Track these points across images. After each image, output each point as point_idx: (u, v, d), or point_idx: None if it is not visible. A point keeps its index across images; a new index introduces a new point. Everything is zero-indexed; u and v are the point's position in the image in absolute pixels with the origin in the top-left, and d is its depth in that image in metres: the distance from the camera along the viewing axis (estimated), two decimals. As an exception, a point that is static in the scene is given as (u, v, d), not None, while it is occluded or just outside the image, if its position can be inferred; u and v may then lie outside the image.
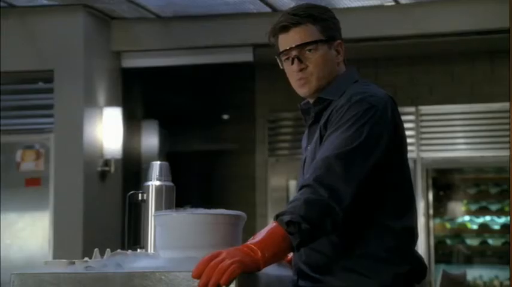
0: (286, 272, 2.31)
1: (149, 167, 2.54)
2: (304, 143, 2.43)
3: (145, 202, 2.49)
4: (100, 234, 6.47)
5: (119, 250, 2.35)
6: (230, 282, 1.94)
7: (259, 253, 2.01)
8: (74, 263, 2.29)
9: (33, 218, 6.59)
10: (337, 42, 2.37)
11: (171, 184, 2.54)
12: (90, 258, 2.32)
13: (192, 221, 2.20)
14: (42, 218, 6.52)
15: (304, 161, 2.36)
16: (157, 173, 2.52)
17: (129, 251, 2.38)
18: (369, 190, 2.19)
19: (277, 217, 2.08)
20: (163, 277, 2.05)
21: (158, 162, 2.54)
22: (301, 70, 2.33)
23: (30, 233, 6.57)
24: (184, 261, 2.13)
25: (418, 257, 2.31)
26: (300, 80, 2.33)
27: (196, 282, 1.97)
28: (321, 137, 2.26)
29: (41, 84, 6.75)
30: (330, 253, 2.23)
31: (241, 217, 2.27)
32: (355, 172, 2.15)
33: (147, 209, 2.50)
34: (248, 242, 2.05)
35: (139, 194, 2.50)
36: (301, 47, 2.33)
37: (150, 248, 2.46)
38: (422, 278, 2.28)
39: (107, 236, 6.52)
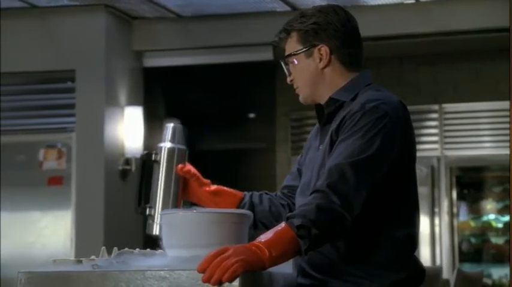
0: (290, 270, 2.31)
1: (164, 129, 2.50)
2: (315, 142, 2.42)
3: (157, 163, 2.44)
4: (121, 232, 6.52)
5: (126, 249, 2.37)
6: (233, 280, 1.95)
7: (267, 253, 2.01)
8: (81, 261, 2.31)
9: (55, 217, 6.66)
10: (316, 48, 2.34)
11: (183, 147, 2.49)
12: (111, 256, 2.34)
13: (198, 219, 2.21)
14: (64, 216, 6.58)
15: (315, 161, 2.36)
16: (170, 136, 2.48)
17: (137, 249, 2.40)
18: (378, 199, 2.19)
19: (287, 219, 2.08)
20: (167, 275, 2.06)
21: (172, 124, 2.50)
22: (291, 81, 2.42)
23: (52, 231, 6.64)
24: (189, 260, 2.13)
25: (418, 263, 2.31)
26: (295, 90, 2.42)
27: (201, 280, 1.98)
28: (331, 142, 2.26)
29: (62, 84, 6.81)
30: (332, 256, 2.24)
31: (247, 215, 2.28)
32: (367, 181, 2.15)
33: (158, 171, 2.46)
34: (256, 241, 2.06)
35: (153, 155, 2.45)
36: (283, 62, 2.41)
37: (158, 208, 2.45)
38: (420, 284, 2.29)
39: (127, 235, 6.56)
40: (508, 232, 8.17)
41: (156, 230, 2.42)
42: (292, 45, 2.37)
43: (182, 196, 2.50)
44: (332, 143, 2.26)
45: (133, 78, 6.97)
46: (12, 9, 6.62)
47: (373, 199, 2.17)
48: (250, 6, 6.62)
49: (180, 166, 2.46)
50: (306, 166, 2.42)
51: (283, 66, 2.43)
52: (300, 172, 2.51)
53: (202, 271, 1.97)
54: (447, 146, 7.63)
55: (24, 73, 6.79)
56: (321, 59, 2.35)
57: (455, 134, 7.67)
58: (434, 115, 7.59)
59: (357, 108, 2.23)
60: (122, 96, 6.79)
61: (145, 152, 2.46)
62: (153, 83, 7.28)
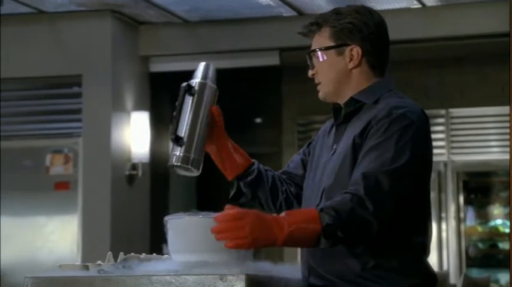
0: (294, 274, 2.30)
1: (197, 68, 2.41)
2: (327, 140, 2.40)
3: (193, 95, 2.35)
4: (128, 237, 6.52)
5: (132, 254, 2.37)
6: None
7: (285, 233, 2.04)
8: (87, 266, 2.31)
9: (62, 222, 6.66)
10: (349, 48, 2.34)
11: (214, 86, 2.41)
12: (117, 261, 2.34)
13: (204, 224, 2.20)
14: (70, 221, 6.59)
15: (327, 161, 2.34)
16: (202, 73, 2.40)
17: (143, 254, 2.39)
18: (401, 207, 2.21)
19: (321, 210, 2.09)
20: (173, 280, 2.06)
21: (204, 62, 2.45)
22: (312, 75, 2.38)
23: (59, 236, 6.64)
24: (195, 265, 2.13)
25: (430, 269, 2.31)
26: (316, 86, 2.38)
27: (206, 285, 2.02)
28: (354, 145, 2.25)
29: (69, 89, 6.82)
30: (346, 259, 2.24)
31: (253, 220, 2.27)
32: (400, 191, 2.17)
33: (188, 103, 2.36)
34: (282, 216, 2.08)
35: (192, 88, 2.36)
36: (309, 55, 2.37)
37: (184, 140, 2.34)
38: None
39: (134, 239, 6.57)
40: (515, 237, 8.14)
41: (175, 161, 2.34)
42: (322, 40, 2.35)
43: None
44: (355, 147, 2.25)
45: (139, 83, 6.98)
46: (20, 14, 6.65)
47: (401, 207, 2.19)
48: (257, 11, 6.62)
49: (213, 106, 2.39)
50: (316, 163, 2.40)
51: (307, 59, 2.39)
52: (304, 163, 2.50)
53: (215, 230, 2.04)
54: (454, 151, 7.61)
55: (31, 78, 6.81)
56: (351, 59, 2.34)
57: (462, 139, 7.65)
58: (441, 120, 7.57)
59: (384, 115, 2.24)
60: (129, 101, 6.80)
61: (187, 83, 2.37)
62: (160, 88, 7.28)
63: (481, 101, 7.50)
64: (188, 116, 2.32)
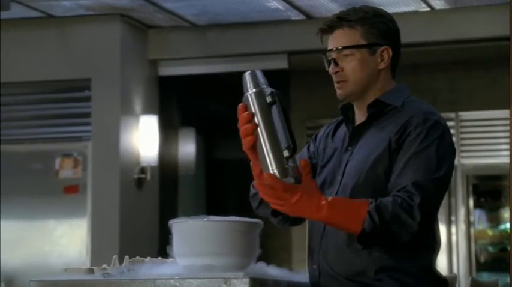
0: (299, 278, 2.31)
1: (243, 79, 2.21)
2: (338, 142, 2.39)
3: (275, 104, 2.16)
4: (136, 241, 6.53)
5: (137, 257, 2.37)
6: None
7: (323, 217, 2.11)
8: (92, 270, 2.32)
9: (71, 225, 6.68)
10: (381, 48, 2.33)
11: (272, 89, 2.22)
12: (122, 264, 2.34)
13: (209, 228, 2.21)
14: (80, 225, 6.60)
15: (347, 162, 2.32)
16: (263, 79, 2.21)
17: (148, 258, 2.40)
18: None
19: (376, 208, 2.11)
20: (177, 284, 2.07)
21: (248, 71, 2.22)
22: (336, 73, 2.33)
23: (68, 240, 6.66)
24: (200, 268, 2.14)
25: (440, 274, 2.34)
26: (337, 83, 2.34)
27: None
28: (390, 148, 2.24)
29: (78, 93, 6.84)
30: (359, 262, 2.24)
31: (257, 224, 2.28)
32: (441, 199, 2.24)
33: (275, 114, 2.16)
34: (329, 200, 2.11)
35: (270, 96, 2.16)
36: (338, 51, 2.32)
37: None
38: None
39: (143, 243, 6.58)
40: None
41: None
42: (351, 37, 2.31)
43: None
44: (391, 150, 2.24)
45: (148, 87, 7.00)
46: (30, 19, 6.67)
47: None
48: (265, 14, 6.63)
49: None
50: (333, 167, 2.36)
51: (326, 55, 2.34)
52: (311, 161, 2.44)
53: (264, 194, 2.11)
54: (464, 154, 7.60)
55: (40, 82, 6.84)
56: (382, 60, 2.33)
57: (471, 142, 7.63)
58: (451, 123, 7.55)
59: (420, 121, 2.25)
60: (138, 105, 6.82)
61: (269, 95, 2.17)
62: (169, 91, 7.29)
63: (490, 105, 7.48)
64: (283, 126, 2.16)
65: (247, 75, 2.20)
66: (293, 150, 2.12)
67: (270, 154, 2.13)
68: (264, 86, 2.19)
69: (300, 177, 2.11)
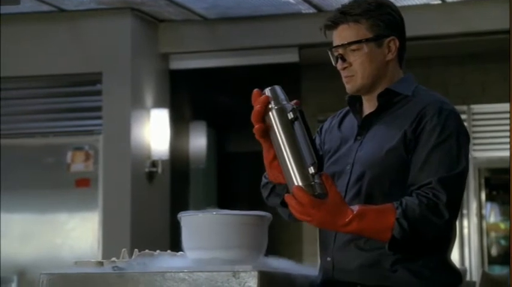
0: (309, 272, 2.30)
1: (274, 92, 2.17)
2: (345, 133, 2.38)
3: (298, 121, 2.13)
4: (148, 234, 6.55)
5: (146, 250, 2.38)
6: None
7: (351, 230, 2.11)
8: (102, 263, 2.33)
9: (82, 219, 6.70)
10: (388, 39, 2.32)
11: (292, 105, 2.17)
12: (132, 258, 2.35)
13: (218, 221, 2.22)
14: (91, 218, 6.62)
15: (356, 152, 2.31)
16: (284, 95, 2.17)
17: (157, 251, 2.41)
18: None
19: (403, 214, 2.11)
20: (186, 277, 2.07)
21: (276, 86, 2.19)
22: (344, 68, 2.32)
23: (80, 233, 6.68)
24: (209, 262, 2.14)
25: (456, 267, 2.33)
26: (345, 78, 2.33)
27: (219, 282, 2.02)
28: (405, 139, 2.23)
29: (89, 87, 6.86)
30: (375, 255, 2.23)
31: (266, 217, 2.28)
32: (463, 193, 2.25)
33: (298, 130, 2.13)
34: (355, 213, 2.09)
35: (291, 113, 2.13)
36: (344, 46, 2.31)
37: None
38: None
39: (154, 236, 6.59)
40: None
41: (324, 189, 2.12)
42: (360, 31, 2.29)
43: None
44: (406, 141, 2.23)
45: (159, 80, 7.00)
46: (41, 13, 6.69)
47: None
48: (276, 8, 6.62)
49: None
50: (342, 157, 2.35)
51: (332, 51, 2.33)
52: None
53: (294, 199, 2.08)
54: (476, 147, 7.58)
55: (52, 76, 6.86)
56: (389, 51, 2.32)
57: (483, 135, 7.61)
58: (463, 116, 7.52)
59: (436, 111, 2.24)
60: (148, 99, 6.82)
61: (291, 111, 2.14)
62: (179, 85, 7.30)
63: (502, 97, 7.44)
64: (307, 142, 2.14)
65: (267, 91, 2.18)
66: (319, 166, 2.10)
67: (296, 172, 2.11)
68: (285, 102, 2.16)
69: (327, 192, 2.10)
